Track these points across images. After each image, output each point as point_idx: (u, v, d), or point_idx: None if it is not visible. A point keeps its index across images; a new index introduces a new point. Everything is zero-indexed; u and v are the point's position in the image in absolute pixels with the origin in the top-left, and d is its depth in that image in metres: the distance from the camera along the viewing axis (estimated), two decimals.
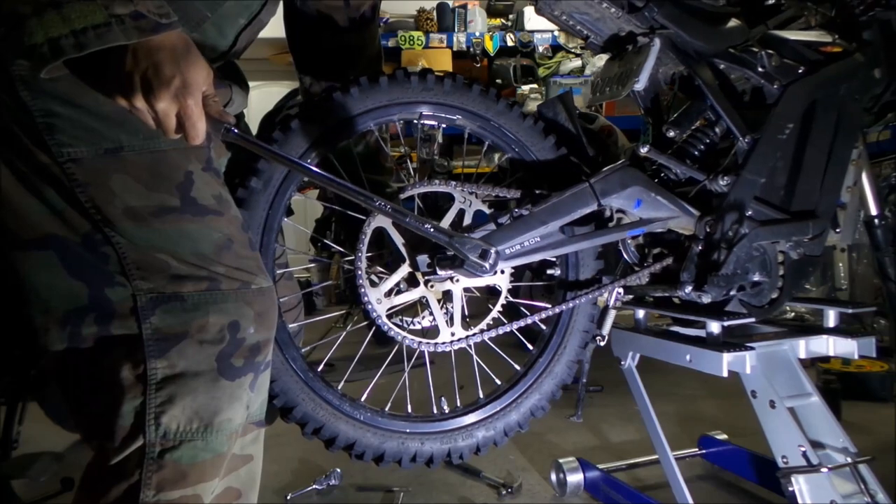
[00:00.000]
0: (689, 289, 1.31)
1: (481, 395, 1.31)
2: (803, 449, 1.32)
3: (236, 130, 0.92)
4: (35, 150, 0.86)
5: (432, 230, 1.10)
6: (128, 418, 0.87)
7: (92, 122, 0.87)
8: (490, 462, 2.02)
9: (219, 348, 0.89)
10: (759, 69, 1.36)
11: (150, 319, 0.87)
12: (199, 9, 0.99)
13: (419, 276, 1.21)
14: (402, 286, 1.22)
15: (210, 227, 0.92)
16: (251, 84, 1.39)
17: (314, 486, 1.91)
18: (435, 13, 5.21)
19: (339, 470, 1.94)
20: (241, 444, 0.96)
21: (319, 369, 1.25)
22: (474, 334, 1.25)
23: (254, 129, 1.42)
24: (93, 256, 0.88)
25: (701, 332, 1.39)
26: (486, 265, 1.15)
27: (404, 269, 1.21)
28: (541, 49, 5.22)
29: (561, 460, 1.86)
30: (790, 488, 1.32)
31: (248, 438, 0.97)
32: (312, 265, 4.98)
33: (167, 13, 0.84)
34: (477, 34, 5.19)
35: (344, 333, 1.34)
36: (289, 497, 1.87)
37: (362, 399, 1.24)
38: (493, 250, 1.16)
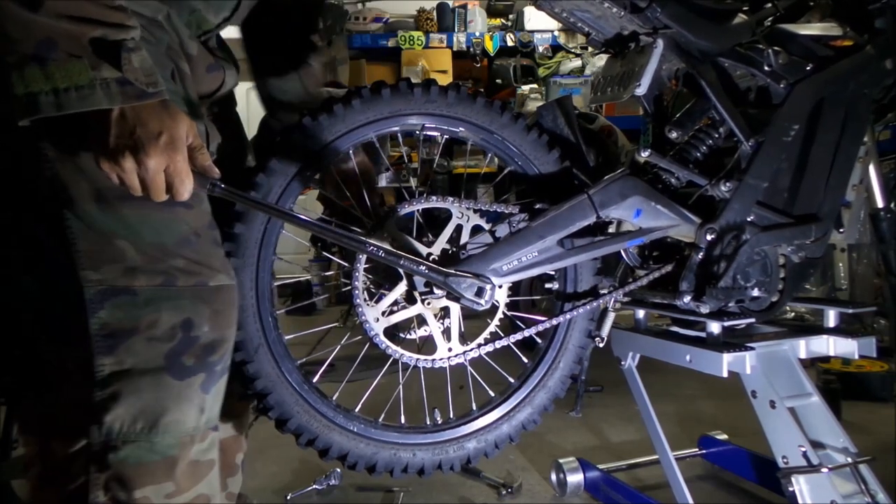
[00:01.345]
0: (687, 298, 1.30)
1: (474, 407, 1.31)
2: (803, 449, 1.32)
3: (222, 185, 0.90)
4: (14, 130, 0.82)
5: (426, 271, 1.12)
6: (73, 416, 0.85)
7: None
8: (490, 462, 2.01)
9: (169, 346, 0.87)
10: (766, 67, 1.33)
11: (99, 313, 0.85)
12: None
13: (416, 294, 1.21)
14: (399, 302, 1.23)
15: (177, 218, 0.89)
16: (251, 84, 1.39)
17: (314, 487, 1.91)
18: (435, 13, 5.21)
19: (338, 470, 1.94)
20: (198, 449, 0.93)
21: (321, 371, 1.25)
22: (471, 349, 1.26)
23: (254, 128, 1.42)
24: (51, 244, 0.85)
25: (701, 333, 1.39)
26: (482, 302, 1.17)
27: (401, 288, 1.21)
28: (541, 49, 5.22)
29: (561, 460, 1.86)
30: (790, 488, 1.32)
31: (205, 444, 0.95)
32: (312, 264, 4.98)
33: (154, 81, 0.82)
34: (477, 34, 5.19)
35: (344, 340, 1.34)
36: (289, 497, 1.87)
37: (357, 408, 1.24)
38: (488, 287, 1.18)
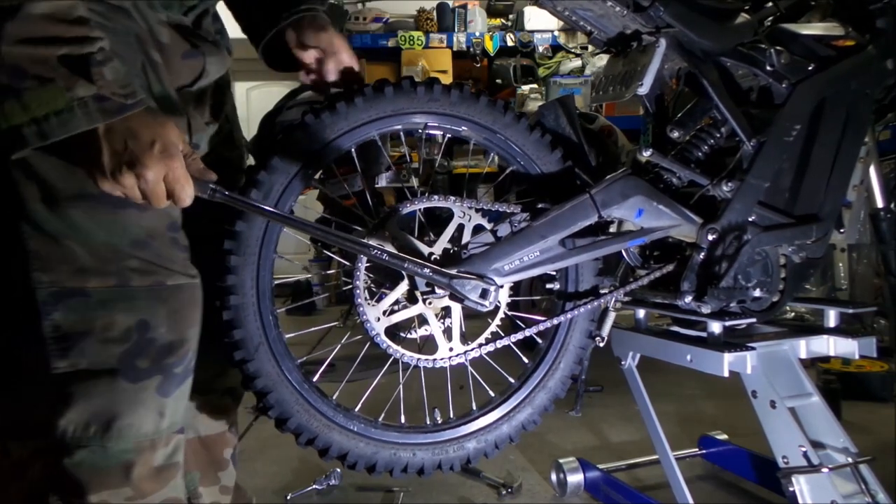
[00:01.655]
0: (688, 298, 1.30)
1: (474, 407, 1.31)
2: (804, 449, 1.32)
3: (225, 192, 0.90)
4: None
5: (430, 273, 1.13)
6: (29, 418, 0.84)
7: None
8: (490, 462, 2.01)
9: (123, 347, 0.85)
10: (768, 67, 1.33)
11: (52, 315, 0.83)
12: None
13: (418, 294, 1.21)
14: (400, 301, 1.23)
15: (129, 221, 0.87)
16: (251, 84, 1.38)
17: (314, 486, 1.91)
18: (435, 13, 5.21)
19: (338, 470, 1.94)
20: (164, 454, 0.92)
21: (321, 371, 1.25)
22: (472, 349, 1.25)
23: (253, 128, 1.42)
24: (4, 246, 0.84)
25: (702, 333, 1.39)
26: (486, 303, 1.17)
27: (402, 287, 1.21)
28: (541, 49, 5.22)
29: (561, 460, 1.86)
30: (791, 488, 1.32)
31: (170, 448, 0.93)
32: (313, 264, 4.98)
33: (132, 92, 0.80)
34: (477, 34, 5.19)
35: (344, 339, 1.34)
36: (289, 497, 1.87)
37: (357, 408, 1.24)
38: (492, 288, 1.18)
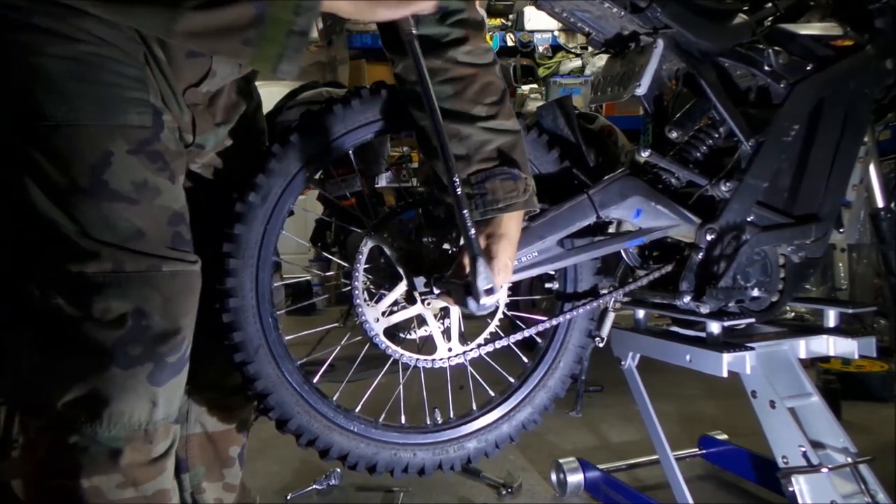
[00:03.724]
0: (687, 298, 1.30)
1: (475, 407, 1.32)
2: (803, 449, 1.32)
3: None
4: None
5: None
6: (32, 399, 0.87)
7: (21, 89, 0.84)
8: (490, 462, 2.01)
9: (117, 334, 0.85)
10: (766, 67, 1.33)
11: (52, 300, 0.84)
12: None
13: (416, 294, 1.21)
14: (398, 302, 1.23)
15: (118, 215, 0.87)
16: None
17: (314, 486, 1.91)
18: None
19: (339, 470, 1.94)
20: (163, 445, 0.92)
21: (321, 372, 1.25)
22: (471, 349, 1.26)
23: None
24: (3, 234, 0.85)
25: (701, 333, 1.39)
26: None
27: (401, 288, 1.21)
28: (541, 49, 5.23)
29: (561, 460, 1.86)
30: (790, 488, 1.32)
31: (169, 440, 0.94)
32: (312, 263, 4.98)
33: None
34: None
35: (344, 340, 1.35)
36: (289, 497, 1.87)
37: (357, 409, 1.24)
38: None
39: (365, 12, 0.94)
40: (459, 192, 0.99)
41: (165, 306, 0.88)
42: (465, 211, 1.00)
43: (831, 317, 1.49)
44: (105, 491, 0.87)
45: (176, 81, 0.98)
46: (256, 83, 1.25)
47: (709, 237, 1.31)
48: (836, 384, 2.37)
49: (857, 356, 1.43)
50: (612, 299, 1.36)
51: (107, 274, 0.85)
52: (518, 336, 1.30)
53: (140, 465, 0.90)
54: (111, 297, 0.85)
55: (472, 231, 1.01)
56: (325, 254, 3.77)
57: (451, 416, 1.31)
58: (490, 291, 1.02)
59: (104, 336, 0.85)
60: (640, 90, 1.27)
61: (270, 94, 1.50)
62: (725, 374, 1.29)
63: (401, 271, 1.20)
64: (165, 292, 0.89)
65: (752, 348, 1.32)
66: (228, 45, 0.86)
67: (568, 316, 1.32)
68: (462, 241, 1.05)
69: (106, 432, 0.86)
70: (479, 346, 1.27)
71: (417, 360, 1.23)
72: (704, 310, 1.31)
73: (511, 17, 5.38)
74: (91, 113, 0.85)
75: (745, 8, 1.41)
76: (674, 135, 1.34)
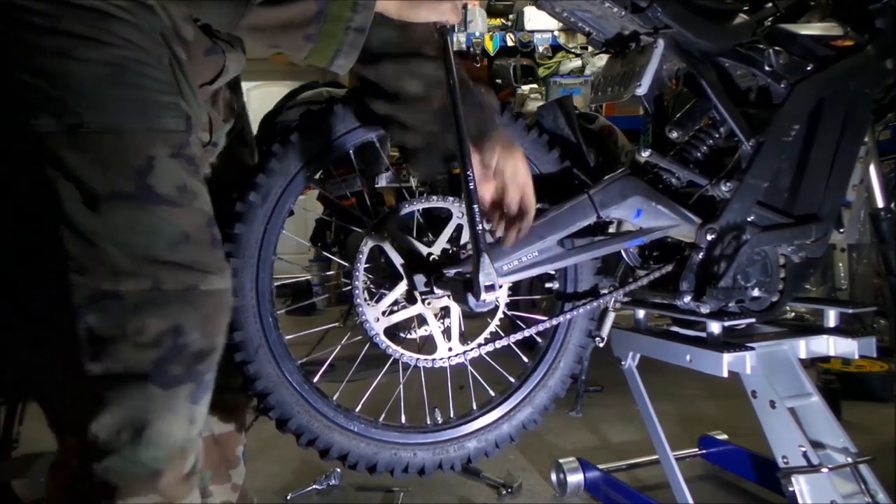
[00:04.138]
0: (687, 298, 1.30)
1: (475, 407, 1.32)
2: (804, 449, 1.32)
3: None
4: None
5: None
6: (60, 421, 0.84)
7: (56, 94, 0.81)
8: (490, 462, 2.01)
9: (156, 353, 0.83)
10: (767, 67, 1.33)
11: (86, 318, 0.82)
12: None
13: (417, 294, 1.21)
14: (399, 302, 1.23)
15: (164, 219, 0.86)
16: (251, 84, 1.38)
17: (314, 486, 1.91)
18: None
19: (339, 470, 1.94)
20: (192, 461, 0.91)
21: (321, 372, 1.25)
22: (471, 349, 1.26)
23: (254, 128, 1.42)
24: (33, 245, 0.83)
25: (701, 333, 1.39)
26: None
27: (401, 288, 1.21)
28: (541, 49, 5.22)
29: (561, 460, 1.86)
30: (790, 488, 1.32)
31: (196, 455, 0.92)
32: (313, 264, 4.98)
33: None
34: (477, 34, 5.19)
35: (344, 340, 1.35)
36: (289, 497, 1.87)
37: (357, 408, 1.24)
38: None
39: (408, 12, 0.98)
40: (472, 186, 1.00)
41: (204, 325, 0.87)
42: (475, 206, 1.00)
43: (831, 317, 1.49)
44: None
45: (194, 81, 0.98)
46: (257, 83, 1.25)
47: (709, 237, 1.31)
48: (836, 384, 2.37)
49: (857, 356, 1.43)
50: (613, 299, 1.36)
51: (144, 293, 0.83)
52: (518, 336, 1.30)
53: (175, 484, 0.88)
54: (148, 315, 0.83)
55: (480, 226, 1.01)
56: (325, 253, 3.77)
57: (452, 415, 1.31)
58: (490, 288, 1.02)
59: (142, 356, 0.83)
60: (641, 90, 1.27)
61: (270, 94, 1.50)
62: (725, 374, 1.29)
63: (401, 270, 1.20)
64: (203, 310, 0.87)
65: (752, 348, 1.32)
66: (290, 39, 0.89)
67: (568, 316, 1.32)
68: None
69: (147, 453, 0.84)
70: (480, 345, 1.27)
71: (418, 359, 1.23)
72: (705, 310, 1.31)
73: (511, 17, 5.37)
74: (132, 118, 0.84)
75: (746, 8, 1.41)
76: (674, 135, 1.34)
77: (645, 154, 1.29)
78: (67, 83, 0.82)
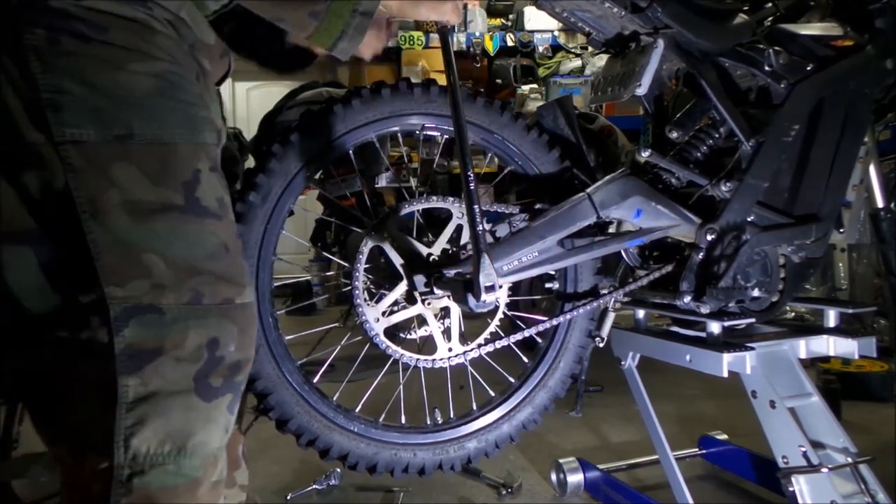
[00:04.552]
0: (687, 298, 1.30)
1: (475, 407, 1.32)
2: (804, 449, 1.32)
3: None
4: (26, 129, 0.79)
5: None
6: (94, 437, 0.82)
7: (104, 104, 0.81)
8: (490, 462, 2.01)
9: (196, 367, 0.84)
10: (767, 67, 1.33)
11: (124, 332, 0.81)
12: None
13: (417, 294, 1.21)
14: (399, 302, 1.23)
15: (208, 231, 0.87)
16: (251, 84, 1.39)
17: (314, 486, 1.91)
18: None
19: (339, 470, 1.94)
20: (220, 468, 0.91)
21: (321, 372, 1.25)
22: (471, 349, 1.26)
23: (253, 128, 1.42)
24: (68, 256, 0.81)
25: (701, 333, 1.39)
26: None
27: (402, 288, 1.21)
28: (541, 49, 5.22)
29: (561, 460, 1.86)
30: (790, 488, 1.32)
31: (215, 462, 0.91)
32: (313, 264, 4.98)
33: None
34: (477, 34, 5.19)
35: (344, 340, 1.35)
36: (289, 497, 1.87)
37: (357, 409, 1.24)
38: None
39: (410, 11, 1.00)
40: (472, 187, 1.01)
41: (239, 337, 0.88)
42: (476, 206, 1.01)
43: (831, 317, 1.49)
44: None
45: (213, 87, 0.99)
46: (257, 83, 1.25)
47: (709, 237, 1.31)
48: (836, 384, 2.37)
49: (857, 356, 1.43)
50: (613, 299, 1.36)
51: (184, 307, 0.83)
52: (518, 336, 1.30)
53: (208, 491, 0.89)
54: (188, 328, 0.83)
55: (480, 227, 1.01)
56: (325, 254, 3.77)
57: (452, 416, 1.31)
58: (490, 289, 1.03)
59: (184, 370, 0.83)
60: (641, 90, 1.27)
61: (270, 94, 1.50)
62: (725, 374, 1.29)
63: (401, 271, 1.20)
64: (239, 323, 0.88)
65: (752, 348, 1.32)
66: (295, 14, 0.90)
67: (568, 316, 1.32)
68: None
69: (188, 463, 0.84)
70: (480, 346, 1.27)
71: (418, 359, 1.23)
72: (705, 310, 1.31)
73: (511, 17, 5.37)
74: (179, 131, 0.85)
75: (746, 8, 1.41)
76: (674, 135, 1.34)
77: (645, 154, 1.29)
78: (118, 94, 0.82)
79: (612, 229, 1.35)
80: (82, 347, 0.82)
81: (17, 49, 0.79)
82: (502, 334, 1.29)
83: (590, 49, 5.09)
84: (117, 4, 0.82)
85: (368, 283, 1.24)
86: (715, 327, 1.35)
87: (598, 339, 1.40)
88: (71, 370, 0.83)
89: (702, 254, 1.31)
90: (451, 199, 1.24)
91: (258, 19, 1.00)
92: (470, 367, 1.30)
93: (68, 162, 0.80)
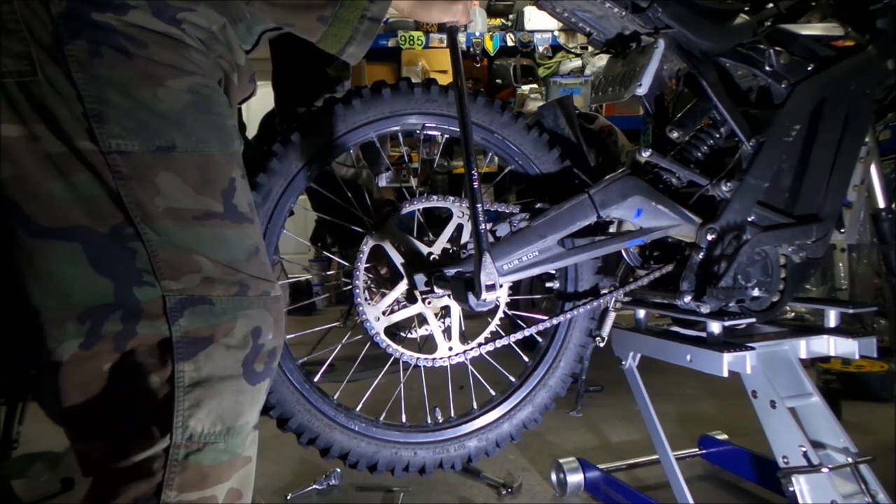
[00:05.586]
0: (688, 298, 1.30)
1: (475, 406, 1.32)
2: (804, 449, 1.32)
3: None
4: (75, 135, 0.83)
5: None
6: (151, 419, 0.87)
7: (146, 117, 0.86)
8: (490, 462, 2.01)
9: (244, 353, 0.91)
10: (767, 68, 1.34)
11: (179, 321, 0.87)
12: (240, 7, 0.99)
13: (417, 293, 1.21)
14: (399, 301, 1.23)
15: (244, 234, 0.93)
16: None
17: (314, 486, 1.91)
18: None
19: (339, 470, 1.94)
20: (251, 445, 0.97)
21: (322, 371, 1.25)
22: (472, 349, 1.26)
23: (254, 128, 1.42)
24: (121, 252, 0.86)
25: (701, 333, 1.39)
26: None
27: (402, 287, 1.21)
28: (541, 49, 5.21)
29: (561, 460, 1.86)
30: (791, 488, 1.32)
31: (249, 439, 0.98)
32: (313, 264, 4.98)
33: None
34: (477, 34, 5.18)
35: (345, 339, 1.35)
36: (289, 497, 1.87)
37: (358, 407, 1.24)
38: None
39: (421, 12, 1.02)
40: (476, 186, 1.03)
41: (275, 326, 0.95)
42: (479, 205, 1.02)
43: (832, 317, 1.49)
44: (219, 498, 0.92)
45: (235, 102, 1.04)
46: (258, 82, 1.26)
47: (709, 237, 1.31)
48: (836, 384, 2.37)
49: (857, 356, 1.44)
50: (613, 299, 1.36)
51: (232, 298, 0.90)
52: (519, 335, 1.30)
53: (243, 465, 0.95)
54: (236, 318, 0.90)
55: (483, 226, 1.02)
56: (325, 253, 3.76)
57: (452, 415, 1.31)
58: (491, 288, 1.04)
59: (234, 356, 0.90)
60: (641, 90, 1.27)
61: (270, 94, 1.50)
62: (726, 374, 1.29)
63: (401, 270, 1.20)
64: (273, 313, 0.95)
65: (752, 348, 1.32)
66: (304, 19, 0.92)
67: (568, 315, 1.32)
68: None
69: (234, 440, 0.91)
70: (480, 345, 1.27)
71: (418, 359, 1.23)
72: (705, 310, 1.31)
73: (511, 17, 5.36)
74: (215, 142, 0.91)
75: (746, 8, 1.41)
76: (675, 135, 1.34)
77: (645, 154, 1.29)
78: (158, 109, 0.87)
79: (612, 229, 1.35)
80: (132, 337, 0.86)
81: (59, 58, 0.83)
82: (503, 333, 1.29)
83: (590, 49, 5.09)
84: (155, 21, 0.87)
85: (369, 282, 1.24)
86: (715, 327, 1.35)
87: (598, 338, 1.40)
88: (117, 358, 0.87)
89: (702, 254, 1.31)
90: (451, 198, 1.24)
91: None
92: (470, 367, 1.30)
93: (117, 170, 0.85)
